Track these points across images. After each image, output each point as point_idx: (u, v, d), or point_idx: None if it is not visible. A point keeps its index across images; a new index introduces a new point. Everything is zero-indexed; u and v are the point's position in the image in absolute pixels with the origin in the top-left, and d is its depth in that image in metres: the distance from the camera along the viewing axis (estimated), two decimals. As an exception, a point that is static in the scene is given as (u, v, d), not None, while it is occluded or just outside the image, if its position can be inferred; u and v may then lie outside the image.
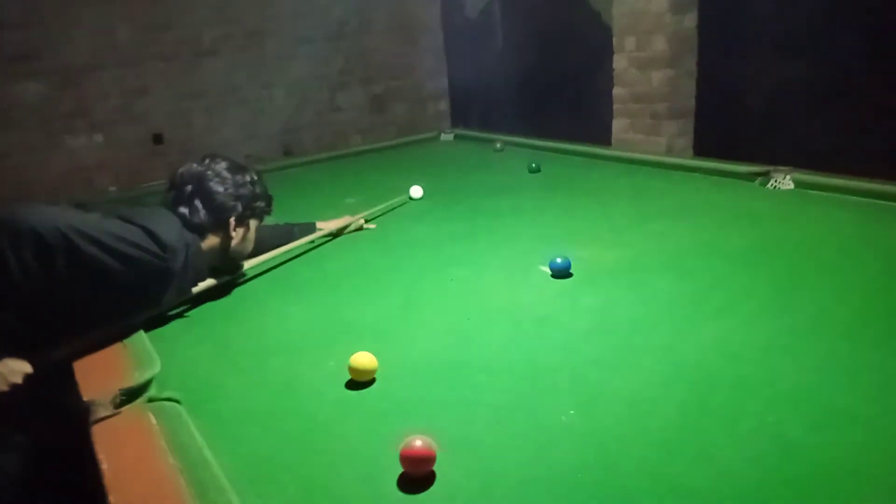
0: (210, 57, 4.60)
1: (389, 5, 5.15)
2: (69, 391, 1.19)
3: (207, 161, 1.65)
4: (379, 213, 2.32)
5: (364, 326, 1.47)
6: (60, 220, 1.26)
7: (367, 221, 2.23)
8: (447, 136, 3.68)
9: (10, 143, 4.03)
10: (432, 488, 0.91)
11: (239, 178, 1.65)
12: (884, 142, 2.88)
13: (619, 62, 3.73)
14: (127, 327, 1.39)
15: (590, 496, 0.87)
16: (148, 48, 4.37)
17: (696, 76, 3.56)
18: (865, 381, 1.09)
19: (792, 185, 2.15)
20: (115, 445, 1.01)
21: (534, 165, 2.73)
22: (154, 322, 1.48)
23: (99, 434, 1.04)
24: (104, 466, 0.95)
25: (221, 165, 1.64)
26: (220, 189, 1.61)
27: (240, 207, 1.64)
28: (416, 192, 2.49)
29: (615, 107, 3.80)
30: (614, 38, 3.72)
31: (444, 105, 5.57)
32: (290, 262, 1.92)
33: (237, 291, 1.72)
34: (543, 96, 4.57)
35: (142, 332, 1.40)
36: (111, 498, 0.88)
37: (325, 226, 2.10)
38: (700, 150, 3.55)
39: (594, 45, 3.92)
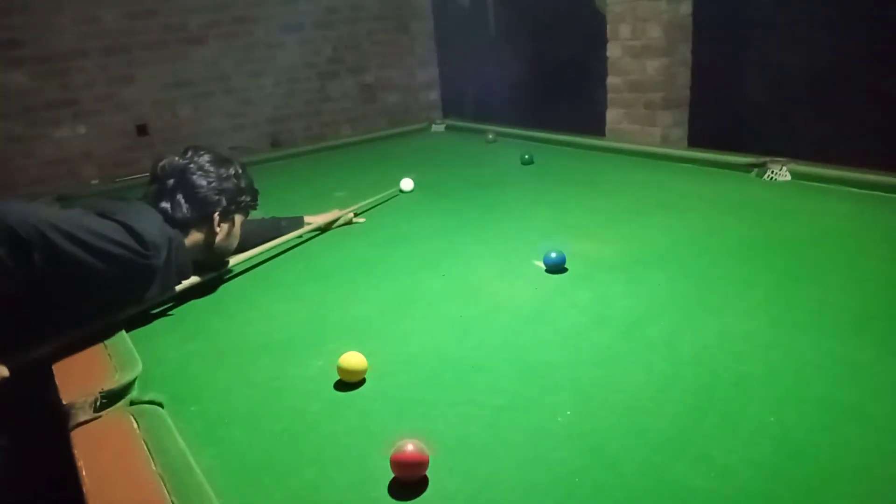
0: (197, 44, 4.52)
1: (379, -8, 5.09)
2: (49, 392, 1.15)
3: (190, 154, 1.60)
4: (369, 207, 2.28)
5: (354, 324, 1.43)
6: (37, 216, 1.22)
7: (356, 215, 2.19)
8: (438, 127, 3.64)
9: (-8, 133, 3.96)
10: (425, 494, 0.88)
11: (223, 171, 1.60)
12: (881, 132, 2.87)
13: (613, 50, 3.69)
14: (108, 326, 1.36)
15: (589, 500, 0.85)
16: (133, 36, 4.29)
17: (692, 65, 3.53)
18: (868, 377, 1.07)
19: (789, 177, 2.13)
20: (95, 451, 0.98)
21: (527, 157, 2.69)
22: (136, 321, 1.44)
23: (78, 439, 1.01)
24: (83, 473, 0.92)
25: (205, 158, 1.59)
26: (204, 183, 1.56)
27: (224, 202, 1.59)
28: (407, 184, 2.46)
29: (609, 96, 3.77)
30: (608, 26, 3.67)
31: (434, 95, 5.51)
32: (277, 258, 1.88)
33: (223, 288, 1.68)
34: (536, 86, 4.54)
35: (123, 332, 1.36)
36: (90, 506, 0.85)
37: (314, 220, 2.06)
38: (694, 140, 3.53)
39: (588, 33, 3.88)
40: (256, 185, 1.73)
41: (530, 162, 2.68)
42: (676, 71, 3.51)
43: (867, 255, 1.55)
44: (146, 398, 1.12)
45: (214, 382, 1.22)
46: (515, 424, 1.02)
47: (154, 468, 0.92)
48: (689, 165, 2.44)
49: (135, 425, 1.03)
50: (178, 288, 1.53)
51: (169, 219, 1.51)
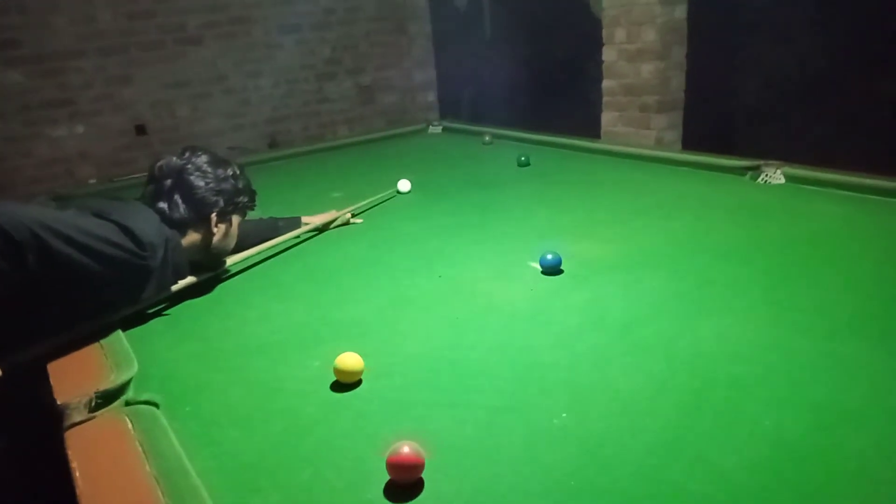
0: (194, 45, 4.52)
1: (377, -7, 5.09)
2: (44, 392, 1.15)
3: (188, 154, 1.60)
4: (366, 208, 2.28)
5: (350, 324, 1.43)
6: (30, 217, 1.21)
7: (353, 216, 2.19)
8: (435, 129, 3.64)
9: (-11, 132, 3.95)
10: (421, 496, 0.88)
11: (220, 172, 1.60)
12: (875, 135, 2.88)
13: (608, 54, 3.70)
14: (104, 325, 1.35)
15: (585, 503, 0.85)
16: (130, 36, 4.28)
17: (686, 68, 3.55)
18: (865, 378, 1.07)
19: (783, 180, 2.14)
20: (89, 452, 0.98)
21: (523, 159, 2.70)
22: (132, 321, 1.44)
23: (73, 440, 1.01)
24: (77, 475, 0.92)
25: (202, 159, 1.59)
26: (201, 184, 1.56)
27: (221, 203, 1.59)
28: (404, 185, 2.46)
29: (604, 99, 3.78)
30: (604, 30, 3.68)
31: (432, 96, 5.52)
32: (274, 258, 1.88)
33: (219, 288, 1.68)
34: (532, 88, 4.54)
35: (119, 332, 1.36)
36: (84, 508, 0.85)
37: (311, 220, 2.06)
38: (689, 143, 3.54)
39: (583, 36, 3.89)
40: (254, 186, 1.73)
41: (527, 164, 2.68)
42: (671, 74, 3.52)
43: (862, 257, 1.56)
44: (142, 398, 1.11)
45: (210, 383, 1.22)
46: (511, 426, 1.02)
47: (148, 470, 0.91)
48: (684, 168, 2.45)
49: (130, 426, 1.02)
50: (174, 288, 1.53)
51: (166, 219, 1.51)
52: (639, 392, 1.09)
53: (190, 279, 1.58)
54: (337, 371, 1.16)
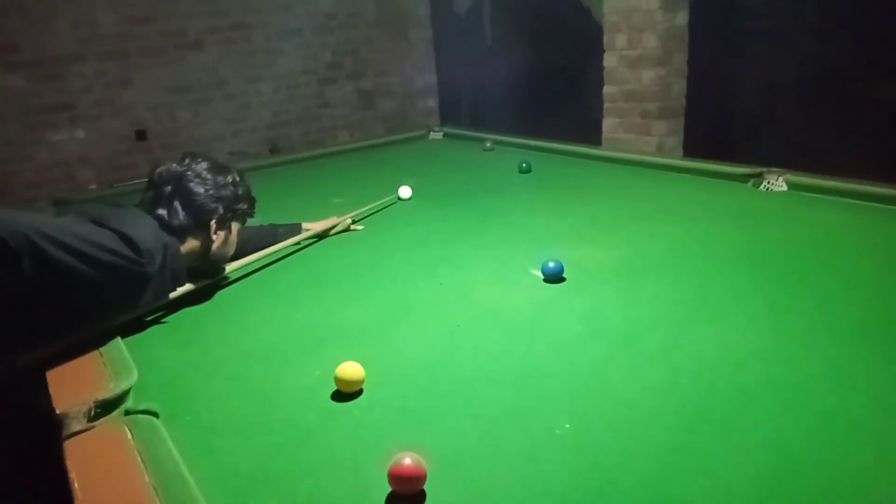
0: (195, 50, 4.52)
1: (377, -2, 5.10)
2: (42, 399, 1.14)
3: (188, 160, 1.59)
4: (367, 214, 2.28)
5: (351, 332, 1.43)
6: (26, 224, 1.20)
7: (354, 222, 2.18)
8: (436, 135, 3.64)
9: (-11, 137, 3.95)
10: (422, 507, 0.87)
11: (220, 178, 1.60)
12: (877, 142, 2.88)
13: (609, 60, 3.70)
14: (103, 332, 1.34)
15: (587, 516, 0.84)
16: (131, 41, 4.28)
17: (687, 75, 3.55)
18: (869, 387, 1.06)
19: (785, 187, 2.14)
20: (87, 461, 0.97)
21: (524, 165, 2.69)
22: (132, 328, 1.43)
23: (71, 450, 1.00)
24: (76, 485, 0.91)
25: (202, 165, 1.59)
26: (201, 190, 1.55)
27: (221, 209, 1.58)
28: (405, 192, 2.45)
29: (605, 105, 3.78)
30: (605, 36, 3.69)
31: (432, 102, 5.52)
32: (274, 265, 1.87)
33: (219, 295, 1.67)
34: (533, 94, 4.55)
35: (119, 339, 1.35)
36: (82, 519, 0.84)
37: (311, 227, 2.05)
38: (690, 149, 3.54)
39: (584, 42, 3.89)
40: (254, 192, 1.72)
41: (528, 170, 2.68)
42: (672, 80, 3.52)
43: (865, 264, 1.56)
44: (141, 407, 1.10)
45: (209, 391, 1.21)
46: (513, 437, 1.01)
47: (147, 479, 0.90)
48: (686, 175, 2.44)
49: (129, 436, 1.01)
50: (173, 295, 1.52)
51: (165, 226, 1.50)
52: (641, 401, 1.08)
53: (188, 286, 1.57)
54: (338, 380, 1.16)
